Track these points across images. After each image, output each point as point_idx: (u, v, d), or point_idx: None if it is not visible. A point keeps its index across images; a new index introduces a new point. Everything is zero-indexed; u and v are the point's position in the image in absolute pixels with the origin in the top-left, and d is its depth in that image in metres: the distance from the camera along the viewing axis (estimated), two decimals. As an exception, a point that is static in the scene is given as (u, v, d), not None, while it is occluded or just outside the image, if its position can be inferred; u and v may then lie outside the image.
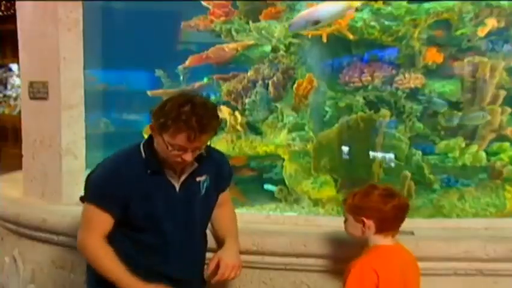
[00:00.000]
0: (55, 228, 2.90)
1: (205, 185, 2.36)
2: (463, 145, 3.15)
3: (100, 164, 2.35)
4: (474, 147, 3.14)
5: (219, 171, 2.42)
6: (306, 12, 3.27)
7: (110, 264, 2.23)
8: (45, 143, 3.38)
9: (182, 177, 2.29)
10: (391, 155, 3.21)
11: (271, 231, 2.78)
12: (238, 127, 3.51)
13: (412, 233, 2.69)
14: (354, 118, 3.23)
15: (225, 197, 2.52)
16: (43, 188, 3.42)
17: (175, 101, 2.17)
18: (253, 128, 3.55)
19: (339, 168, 3.28)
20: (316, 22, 3.16)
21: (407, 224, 2.71)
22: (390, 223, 2.20)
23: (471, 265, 2.55)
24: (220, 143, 3.55)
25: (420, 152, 3.19)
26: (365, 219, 2.18)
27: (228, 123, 3.53)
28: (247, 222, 2.68)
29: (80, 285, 2.68)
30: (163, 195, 2.27)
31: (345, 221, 2.28)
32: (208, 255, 2.45)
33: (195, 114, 2.12)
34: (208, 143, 2.33)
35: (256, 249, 2.65)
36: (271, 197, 3.46)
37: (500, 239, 2.61)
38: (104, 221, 2.25)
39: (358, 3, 3.28)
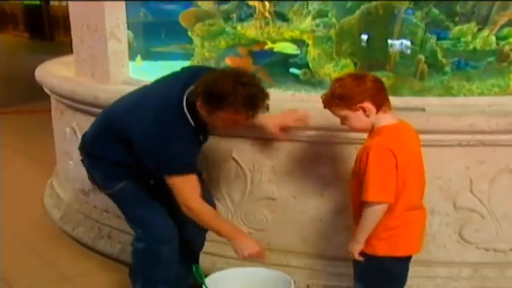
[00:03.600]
0: (106, 104, 2.93)
1: None
2: (475, 30, 3.07)
3: (153, 136, 2.30)
4: (485, 32, 3.06)
5: None
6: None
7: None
8: (92, 28, 3.43)
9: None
10: (407, 41, 3.14)
11: (297, 108, 2.79)
12: (267, 14, 3.44)
13: (423, 110, 2.75)
14: (374, 5, 3.14)
15: None
16: (92, 69, 3.52)
17: (224, 81, 2.16)
18: (280, 15, 3.47)
19: (358, 52, 3.24)
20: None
21: (419, 101, 2.87)
22: (381, 95, 2.14)
23: (474, 137, 2.61)
24: (249, 29, 3.52)
25: (434, 37, 3.11)
26: (361, 104, 2.09)
27: (257, 10, 3.47)
28: (274, 100, 2.65)
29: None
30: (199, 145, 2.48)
31: (345, 121, 2.19)
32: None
33: (250, 97, 2.19)
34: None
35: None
36: (296, 79, 3.45)
37: (502, 113, 2.66)
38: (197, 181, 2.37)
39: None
